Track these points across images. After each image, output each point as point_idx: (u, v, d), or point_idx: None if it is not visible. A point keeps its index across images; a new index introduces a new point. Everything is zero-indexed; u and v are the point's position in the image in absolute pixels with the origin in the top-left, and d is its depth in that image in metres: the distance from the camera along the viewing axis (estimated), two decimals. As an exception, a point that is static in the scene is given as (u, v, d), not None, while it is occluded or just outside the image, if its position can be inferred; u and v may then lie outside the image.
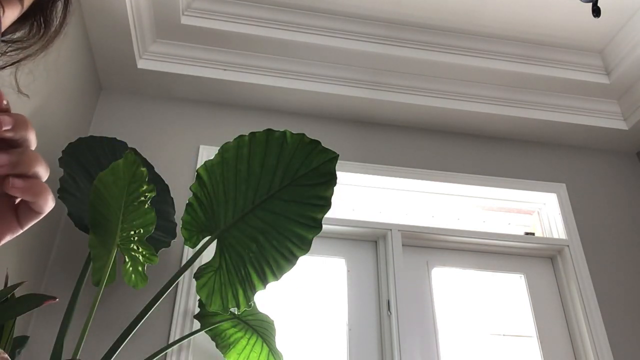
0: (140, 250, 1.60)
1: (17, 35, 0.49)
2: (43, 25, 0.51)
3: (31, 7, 0.47)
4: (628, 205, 2.60)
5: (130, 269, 1.64)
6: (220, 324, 1.77)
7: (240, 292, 1.57)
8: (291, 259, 1.55)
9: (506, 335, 2.24)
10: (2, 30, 0.43)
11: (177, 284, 1.98)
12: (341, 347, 2.09)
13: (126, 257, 1.62)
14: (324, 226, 1.56)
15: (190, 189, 1.61)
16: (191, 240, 1.62)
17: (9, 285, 1.46)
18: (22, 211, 0.41)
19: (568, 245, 2.38)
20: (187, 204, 1.62)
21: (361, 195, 2.51)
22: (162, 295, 1.57)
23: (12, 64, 0.50)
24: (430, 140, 2.62)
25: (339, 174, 1.62)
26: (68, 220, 1.96)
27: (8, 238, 0.41)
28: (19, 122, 0.38)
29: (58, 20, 0.52)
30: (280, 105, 2.52)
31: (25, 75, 0.55)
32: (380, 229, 2.30)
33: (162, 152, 2.30)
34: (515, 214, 2.64)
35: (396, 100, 2.48)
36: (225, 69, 2.39)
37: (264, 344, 1.77)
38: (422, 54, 2.45)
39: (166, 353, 1.85)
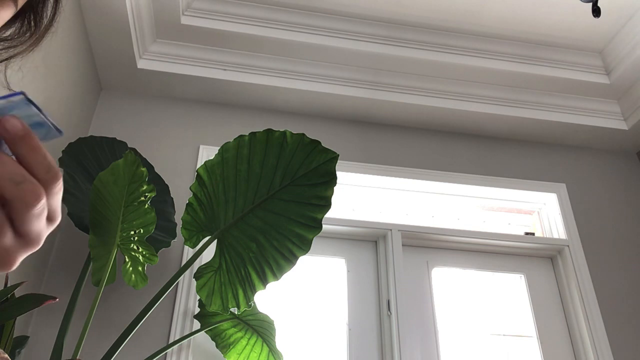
0: (140, 250, 1.60)
1: (7, 33, 0.49)
2: (33, 23, 0.51)
3: (22, 5, 0.47)
4: (628, 205, 2.60)
5: (130, 269, 1.64)
6: (220, 324, 1.77)
7: (240, 292, 1.57)
8: (291, 259, 1.55)
9: (506, 335, 2.24)
10: None
11: (177, 284, 1.98)
12: (341, 347, 2.09)
13: (126, 257, 1.63)
14: (324, 226, 1.56)
15: (190, 189, 1.61)
16: (191, 240, 1.62)
17: (9, 285, 1.46)
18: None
19: (568, 245, 2.38)
20: (187, 204, 1.62)
21: (361, 195, 2.51)
22: (162, 295, 1.57)
23: (1, 61, 0.50)
24: (430, 140, 2.62)
25: (339, 174, 1.62)
26: (68, 220, 1.96)
27: None
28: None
29: (48, 17, 0.51)
30: (280, 105, 2.52)
31: (15, 73, 0.54)
32: (380, 229, 2.30)
33: (162, 152, 2.30)
34: (515, 214, 2.64)
35: (396, 100, 2.48)
36: (225, 69, 2.39)
37: (264, 344, 1.77)
38: (422, 54, 2.45)
39: (166, 353, 1.85)
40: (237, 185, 1.57)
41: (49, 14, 0.51)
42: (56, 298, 1.31)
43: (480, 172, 2.55)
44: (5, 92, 0.33)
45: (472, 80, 2.54)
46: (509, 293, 2.35)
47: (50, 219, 0.36)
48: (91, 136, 2.00)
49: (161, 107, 2.45)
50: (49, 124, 0.33)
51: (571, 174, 2.65)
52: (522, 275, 2.38)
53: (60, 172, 0.34)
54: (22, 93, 0.31)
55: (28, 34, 0.50)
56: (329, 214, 1.61)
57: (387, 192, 2.53)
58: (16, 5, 0.44)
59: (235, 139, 1.58)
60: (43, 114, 0.32)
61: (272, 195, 1.56)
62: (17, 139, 0.32)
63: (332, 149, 1.56)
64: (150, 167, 2.01)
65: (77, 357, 1.48)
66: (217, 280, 1.59)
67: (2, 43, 0.49)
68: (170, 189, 2.04)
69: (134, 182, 1.51)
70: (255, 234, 1.56)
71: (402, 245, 2.28)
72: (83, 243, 1.92)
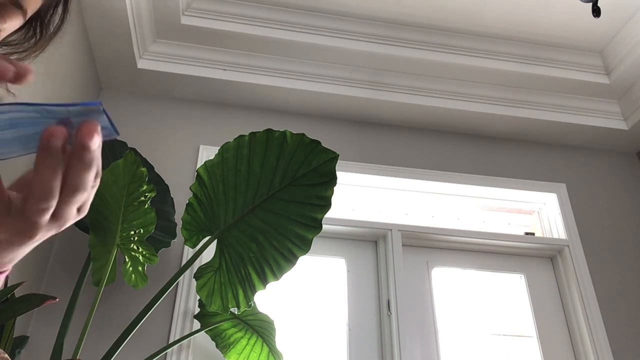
0: (140, 250, 1.60)
1: (12, 37, 0.49)
2: (39, 31, 0.51)
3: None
4: (628, 205, 2.60)
5: (130, 269, 1.64)
6: (220, 324, 1.77)
7: (240, 292, 1.57)
8: (291, 259, 1.55)
9: (506, 335, 2.24)
10: (1, 39, 0.44)
11: (177, 284, 1.98)
12: (341, 347, 2.09)
13: (126, 257, 1.63)
14: (324, 226, 1.56)
15: (190, 189, 1.61)
16: (191, 240, 1.62)
17: (9, 285, 1.46)
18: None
19: (568, 245, 2.38)
20: (187, 204, 1.62)
21: (361, 195, 2.51)
22: (162, 295, 1.57)
23: None
24: (430, 140, 2.62)
25: (339, 174, 1.62)
26: (68, 220, 1.96)
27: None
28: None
29: (54, 26, 0.52)
30: (280, 105, 2.52)
31: None
32: (380, 229, 2.30)
33: (162, 152, 2.30)
34: (515, 214, 2.64)
35: (396, 100, 2.48)
36: (225, 69, 2.39)
37: (264, 344, 1.77)
38: (422, 54, 2.45)
39: (166, 353, 1.85)
40: (237, 185, 1.57)
41: (55, 24, 0.52)
42: (56, 298, 1.31)
43: (480, 172, 2.55)
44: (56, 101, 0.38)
45: (472, 80, 2.54)
46: (509, 293, 2.35)
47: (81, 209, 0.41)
48: (91, 136, 1.99)
49: (161, 107, 2.45)
50: (112, 128, 0.40)
51: (571, 174, 2.65)
52: (522, 275, 2.38)
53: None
54: (99, 103, 0.38)
55: (33, 40, 0.51)
56: (329, 214, 1.60)
57: (386, 192, 2.53)
58: (25, 17, 0.45)
59: (235, 139, 1.58)
60: (109, 120, 0.39)
61: (272, 195, 1.56)
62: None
63: (332, 149, 1.56)
64: (150, 167, 2.01)
65: (77, 357, 1.48)
66: (217, 280, 1.59)
67: (5, 47, 0.49)
68: (170, 189, 2.04)
69: (134, 182, 1.51)
70: (255, 234, 1.56)
71: (402, 245, 2.28)
72: (83, 243, 1.92)
